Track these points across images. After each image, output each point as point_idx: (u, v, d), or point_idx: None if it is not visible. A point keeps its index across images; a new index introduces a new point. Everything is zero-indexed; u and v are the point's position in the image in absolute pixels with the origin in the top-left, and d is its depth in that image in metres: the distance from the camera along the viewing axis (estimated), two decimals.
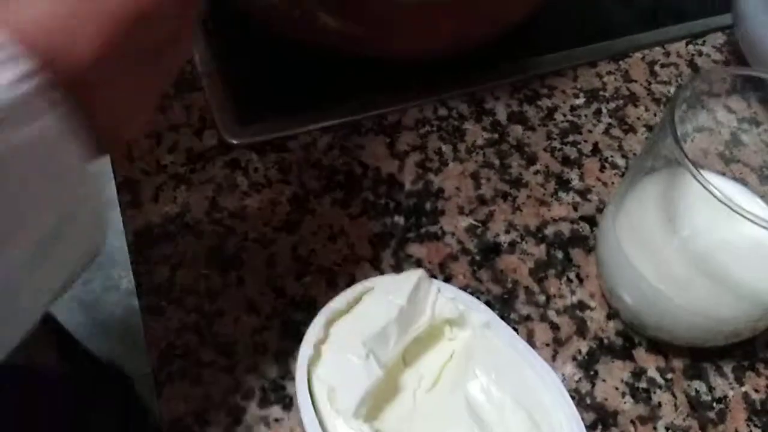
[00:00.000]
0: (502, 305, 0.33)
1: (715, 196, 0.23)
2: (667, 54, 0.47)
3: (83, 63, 0.17)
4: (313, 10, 0.35)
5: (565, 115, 0.42)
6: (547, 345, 0.32)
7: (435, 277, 0.32)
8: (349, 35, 0.37)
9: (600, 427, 0.30)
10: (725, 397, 0.31)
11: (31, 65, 0.16)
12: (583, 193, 0.38)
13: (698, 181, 0.24)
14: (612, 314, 0.33)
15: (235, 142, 0.38)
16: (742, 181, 0.32)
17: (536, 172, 0.39)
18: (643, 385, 0.31)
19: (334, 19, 0.36)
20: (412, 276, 0.29)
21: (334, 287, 0.33)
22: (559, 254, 0.35)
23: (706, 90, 0.29)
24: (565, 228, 0.37)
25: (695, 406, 0.31)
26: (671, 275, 0.29)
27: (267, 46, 0.42)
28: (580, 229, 0.36)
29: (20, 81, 0.15)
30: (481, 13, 0.37)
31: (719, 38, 0.48)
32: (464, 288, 0.33)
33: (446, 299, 0.29)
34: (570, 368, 0.31)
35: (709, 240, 0.29)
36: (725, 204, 0.23)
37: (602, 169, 0.39)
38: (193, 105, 0.40)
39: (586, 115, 0.42)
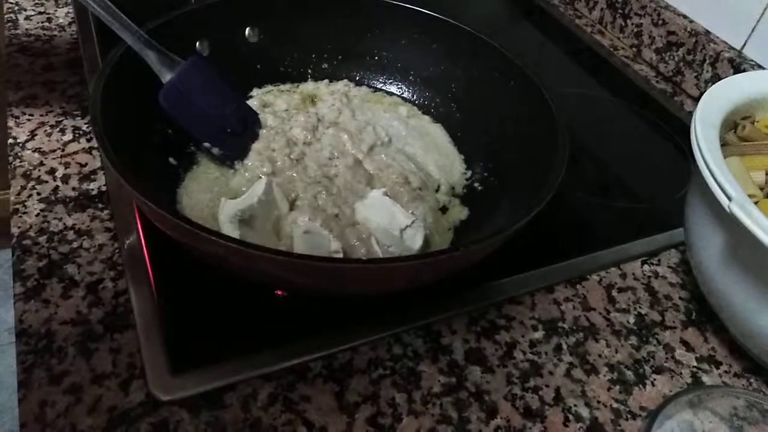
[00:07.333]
0: None
1: None
2: (624, 276, 0.46)
3: None
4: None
5: (524, 353, 0.40)
6: None
7: None
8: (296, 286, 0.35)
9: None
10: None
11: None
12: None
13: None
14: None
15: (164, 398, 0.34)
16: None
17: (497, 428, 0.36)
18: None
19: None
20: None
21: None
22: None
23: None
24: None
25: None
26: None
27: (207, 279, 0.39)
28: None
29: None
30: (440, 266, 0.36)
31: (674, 257, 0.48)
32: None
33: None
34: None
35: None
36: None
37: (566, 422, 0.36)
38: (122, 349, 0.36)
39: (546, 353, 0.40)
